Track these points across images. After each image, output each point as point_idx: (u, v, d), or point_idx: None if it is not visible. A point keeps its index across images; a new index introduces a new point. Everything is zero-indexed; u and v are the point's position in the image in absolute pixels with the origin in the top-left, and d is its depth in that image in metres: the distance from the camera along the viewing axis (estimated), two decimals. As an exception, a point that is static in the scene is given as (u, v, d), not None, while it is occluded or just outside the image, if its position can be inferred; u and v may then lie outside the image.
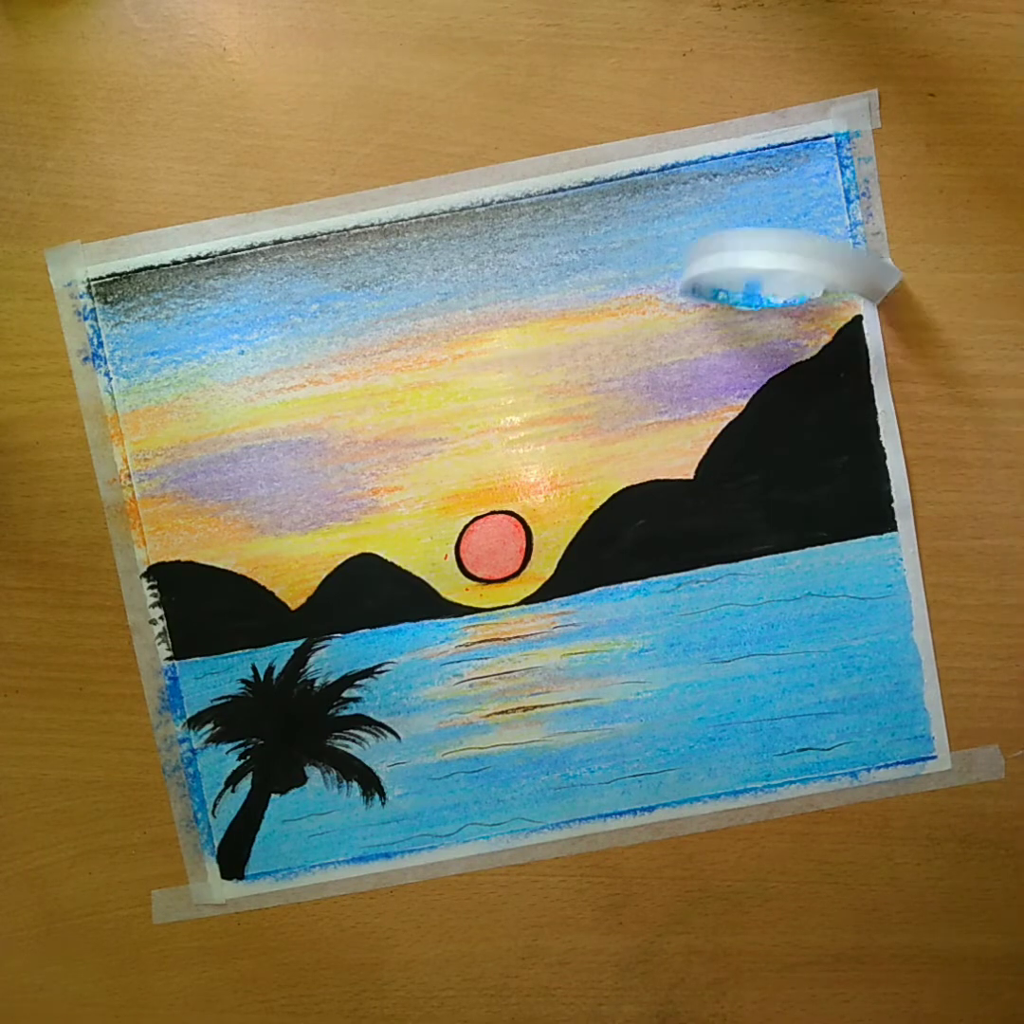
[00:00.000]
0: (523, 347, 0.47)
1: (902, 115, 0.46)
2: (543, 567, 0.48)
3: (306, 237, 0.47)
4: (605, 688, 0.48)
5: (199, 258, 0.47)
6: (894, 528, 0.48)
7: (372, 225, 0.47)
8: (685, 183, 0.47)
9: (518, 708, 0.48)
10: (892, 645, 0.48)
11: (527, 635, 0.48)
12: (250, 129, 0.47)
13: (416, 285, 0.47)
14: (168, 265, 0.47)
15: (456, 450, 0.48)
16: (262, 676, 0.48)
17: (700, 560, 0.48)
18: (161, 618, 0.48)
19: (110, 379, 0.47)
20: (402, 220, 0.47)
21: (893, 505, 0.47)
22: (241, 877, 0.49)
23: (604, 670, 0.48)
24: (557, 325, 0.47)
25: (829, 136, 0.46)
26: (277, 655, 0.48)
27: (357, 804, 0.49)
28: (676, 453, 0.48)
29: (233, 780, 0.49)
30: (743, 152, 0.47)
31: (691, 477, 0.48)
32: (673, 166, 0.47)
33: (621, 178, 0.47)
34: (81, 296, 0.47)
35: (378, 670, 0.48)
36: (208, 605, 0.48)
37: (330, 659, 0.48)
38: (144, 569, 0.48)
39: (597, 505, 0.48)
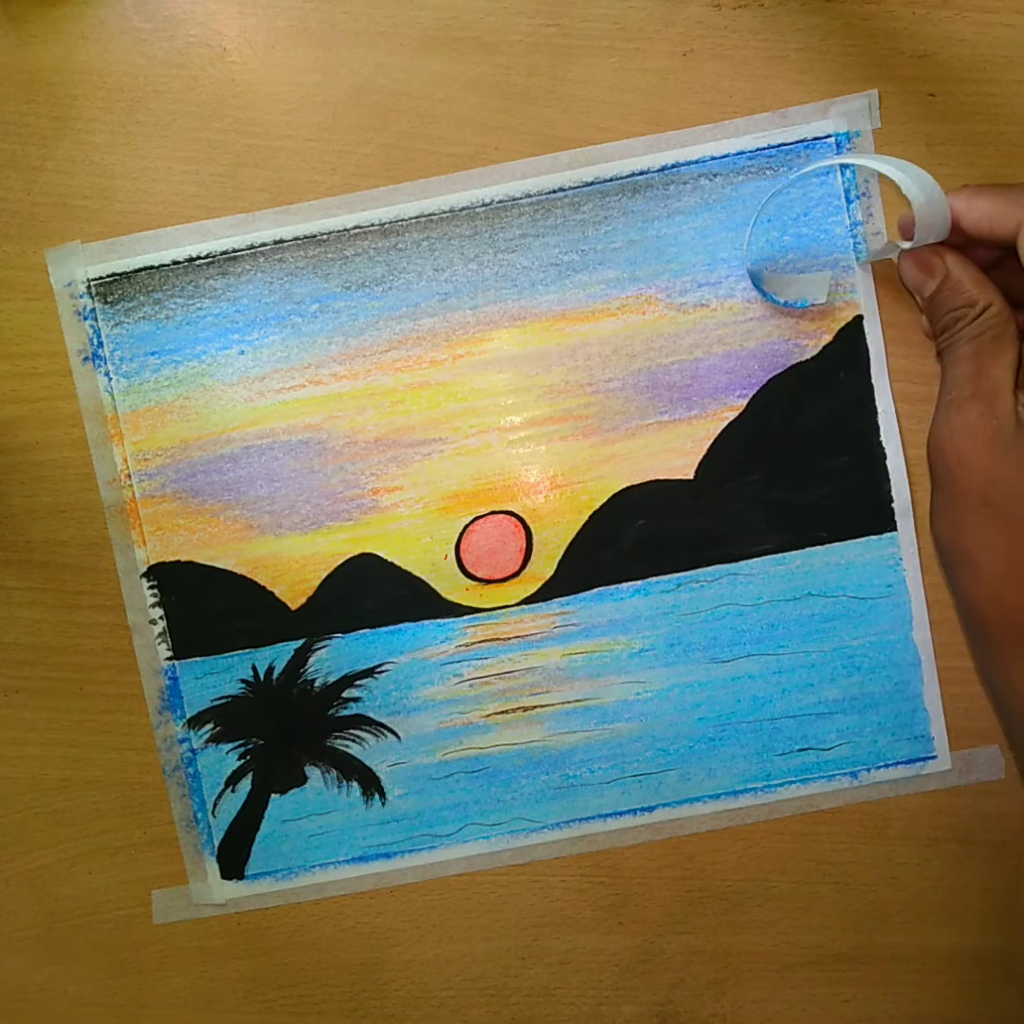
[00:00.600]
0: (523, 347, 0.47)
1: (902, 115, 0.46)
2: (543, 567, 0.48)
3: (306, 237, 0.47)
4: (605, 688, 0.48)
5: (199, 258, 0.47)
6: (894, 528, 0.48)
7: (372, 225, 0.47)
8: (685, 183, 0.47)
9: (518, 708, 0.48)
10: (892, 645, 0.48)
11: (527, 635, 0.48)
12: (250, 129, 0.47)
13: (416, 285, 0.47)
14: (168, 265, 0.47)
15: (456, 450, 0.48)
16: (262, 676, 0.48)
17: (700, 560, 0.48)
18: (161, 618, 0.48)
19: (110, 379, 0.47)
20: (402, 220, 0.47)
21: (893, 505, 0.47)
22: (241, 877, 0.49)
23: (604, 670, 0.48)
24: (557, 325, 0.47)
25: (829, 136, 0.46)
26: (277, 655, 0.48)
27: (357, 804, 0.49)
28: (676, 453, 0.48)
29: (233, 780, 0.49)
30: (743, 152, 0.47)
31: (691, 477, 0.48)
32: (673, 166, 0.47)
33: (621, 178, 0.47)
34: (81, 296, 0.47)
35: (378, 670, 0.48)
36: (208, 605, 0.48)
37: (330, 659, 0.48)
38: (144, 569, 0.48)
39: (597, 505, 0.48)
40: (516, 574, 0.48)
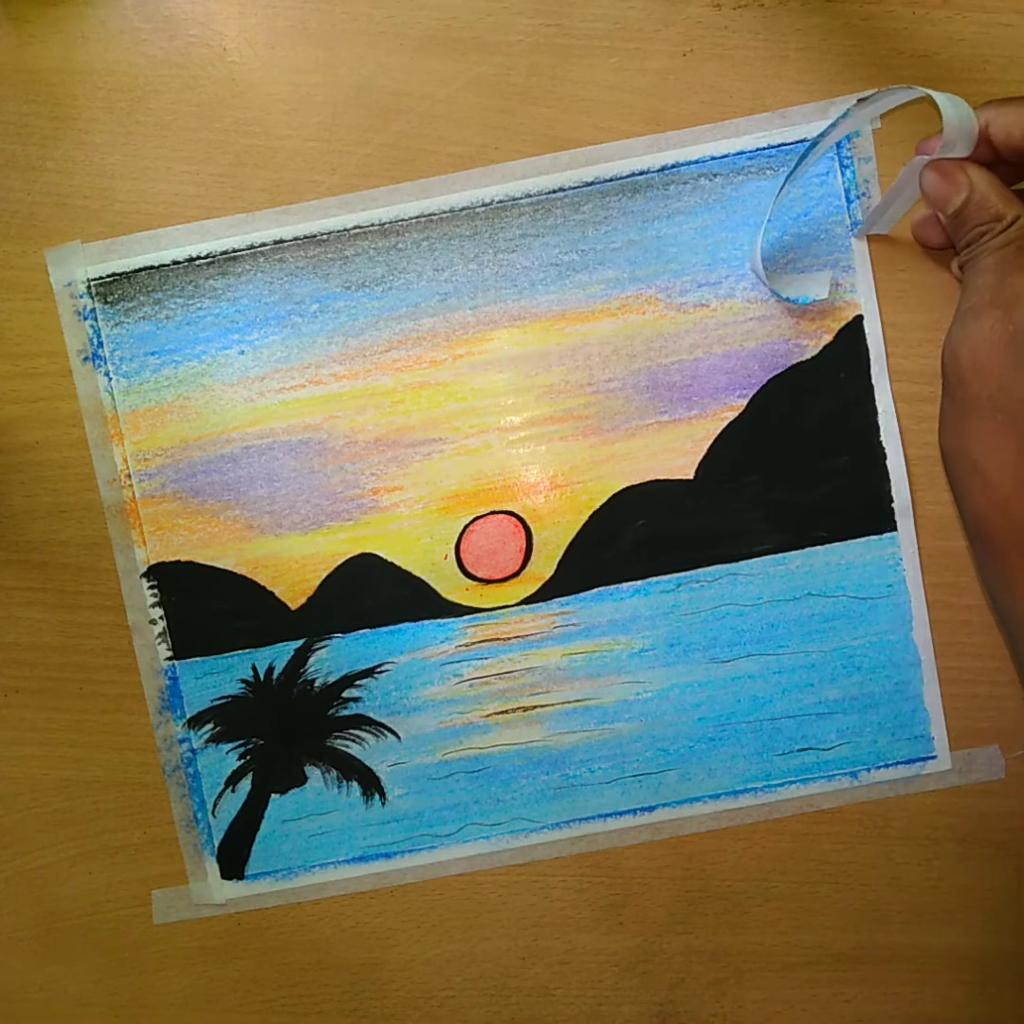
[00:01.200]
0: (523, 347, 0.47)
1: (902, 115, 0.46)
2: (543, 567, 0.48)
3: (306, 237, 0.47)
4: (605, 688, 0.48)
5: (199, 258, 0.47)
6: (894, 528, 0.48)
7: (372, 225, 0.47)
8: (685, 183, 0.47)
9: (518, 708, 0.48)
10: (892, 645, 0.48)
11: (527, 635, 0.48)
12: (250, 129, 0.47)
13: (416, 285, 0.47)
14: (168, 265, 0.47)
15: (456, 450, 0.48)
16: (262, 676, 0.48)
17: (700, 560, 0.48)
18: (161, 618, 0.48)
19: (110, 379, 0.47)
20: (402, 220, 0.47)
21: (893, 505, 0.47)
22: (241, 877, 0.49)
23: (604, 670, 0.48)
24: (557, 325, 0.47)
25: (829, 136, 0.46)
26: (277, 655, 0.48)
27: (357, 804, 0.49)
28: (676, 453, 0.48)
29: (233, 780, 0.49)
30: (743, 152, 0.47)
31: (691, 477, 0.48)
32: (673, 166, 0.47)
33: (621, 178, 0.47)
34: (81, 296, 0.47)
35: (378, 670, 0.48)
36: (208, 605, 0.48)
37: (330, 659, 0.48)
38: (144, 569, 0.48)
39: (597, 505, 0.48)
40: (516, 574, 0.48)
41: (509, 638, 0.48)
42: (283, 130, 0.47)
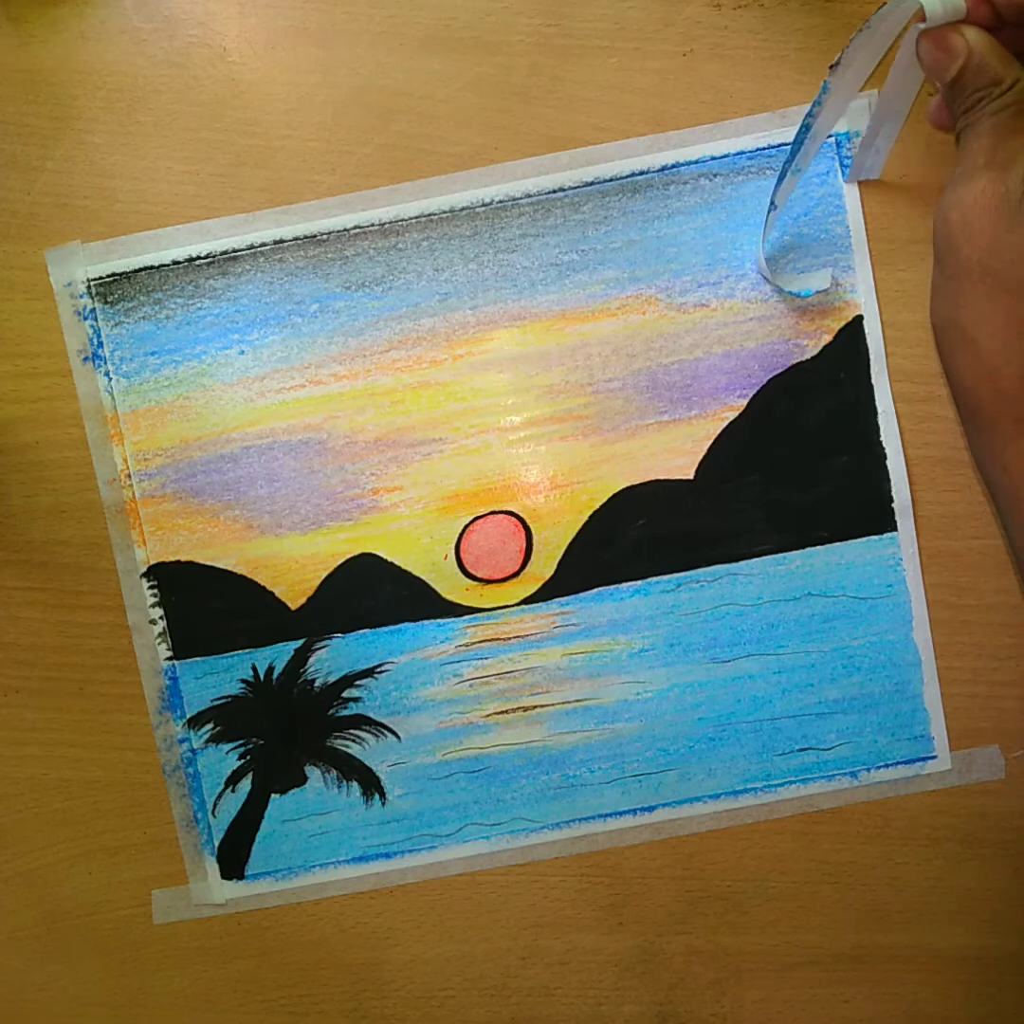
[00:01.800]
0: (523, 347, 0.47)
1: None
2: (543, 567, 0.48)
3: (306, 237, 0.47)
4: (605, 688, 0.48)
5: (199, 258, 0.47)
6: (894, 528, 0.48)
7: (372, 225, 0.47)
8: (685, 183, 0.47)
9: (518, 708, 0.48)
10: (892, 645, 0.48)
11: (527, 635, 0.48)
12: (250, 129, 0.47)
13: (416, 285, 0.47)
14: (168, 265, 0.47)
15: (456, 450, 0.48)
16: (262, 676, 0.48)
17: (700, 560, 0.48)
18: (161, 618, 0.48)
19: (110, 379, 0.47)
20: (402, 220, 0.47)
21: (893, 505, 0.47)
22: (241, 877, 0.49)
23: (604, 670, 0.48)
24: (557, 325, 0.47)
25: (829, 136, 0.46)
26: (277, 655, 0.48)
27: (357, 804, 0.49)
28: (676, 453, 0.48)
29: (233, 780, 0.49)
30: (743, 152, 0.46)
31: (691, 477, 0.48)
32: (673, 166, 0.47)
33: (621, 178, 0.47)
34: (81, 296, 0.47)
35: (378, 670, 0.48)
36: (208, 605, 0.48)
37: (330, 659, 0.48)
38: (144, 569, 0.48)
39: (597, 505, 0.48)
40: (516, 574, 0.48)
41: (509, 638, 0.48)
42: (283, 130, 0.47)
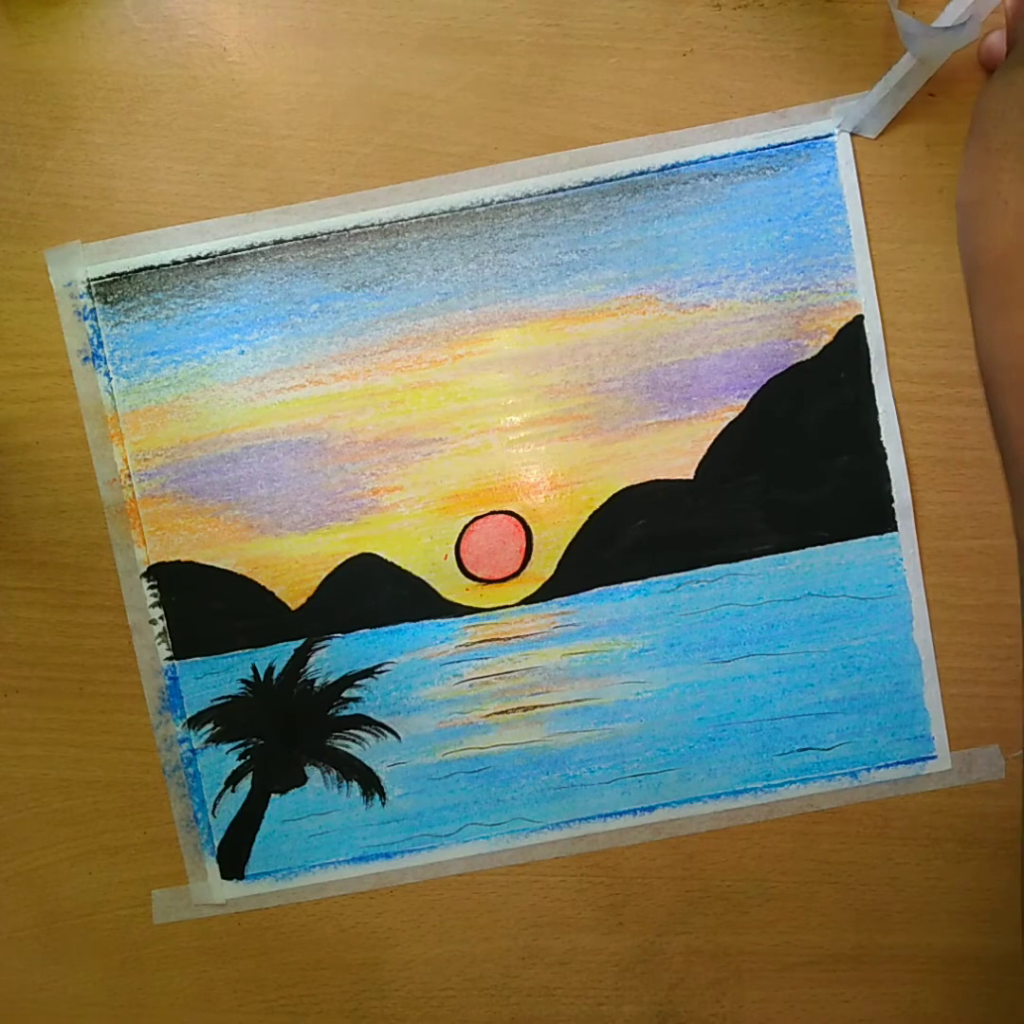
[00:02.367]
0: (523, 347, 0.47)
1: (902, 115, 0.46)
2: (543, 567, 0.48)
3: (306, 237, 0.47)
4: (605, 688, 0.48)
5: (199, 258, 0.47)
6: (894, 528, 0.48)
7: (372, 225, 0.47)
8: (685, 183, 0.47)
9: (518, 708, 0.48)
10: (892, 645, 0.48)
11: (527, 635, 0.48)
12: (250, 129, 0.47)
13: (416, 285, 0.47)
14: (168, 265, 0.47)
15: (456, 450, 0.48)
16: (262, 676, 0.48)
17: (700, 560, 0.48)
18: (161, 618, 0.48)
19: (110, 379, 0.47)
20: (402, 220, 0.47)
21: (893, 505, 0.47)
22: (241, 877, 0.49)
23: (604, 670, 0.48)
24: (557, 325, 0.47)
25: (830, 136, 0.46)
26: (277, 655, 0.48)
27: (357, 804, 0.49)
28: (676, 453, 0.48)
29: (233, 780, 0.49)
30: (743, 152, 0.47)
31: (691, 477, 0.48)
32: (673, 166, 0.47)
33: (621, 178, 0.47)
34: (81, 296, 0.47)
35: (378, 670, 0.48)
36: (208, 605, 0.48)
37: (330, 659, 0.48)
38: (144, 569, 0.48)
39: (597, 505, 0.48)
40: (516, 574, 0.48)
41: (509, 638, 0.48)
42: (283, 130, 0.47)
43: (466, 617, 0.48)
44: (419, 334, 0.47)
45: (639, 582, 0.48)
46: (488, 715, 0.48)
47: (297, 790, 0.49)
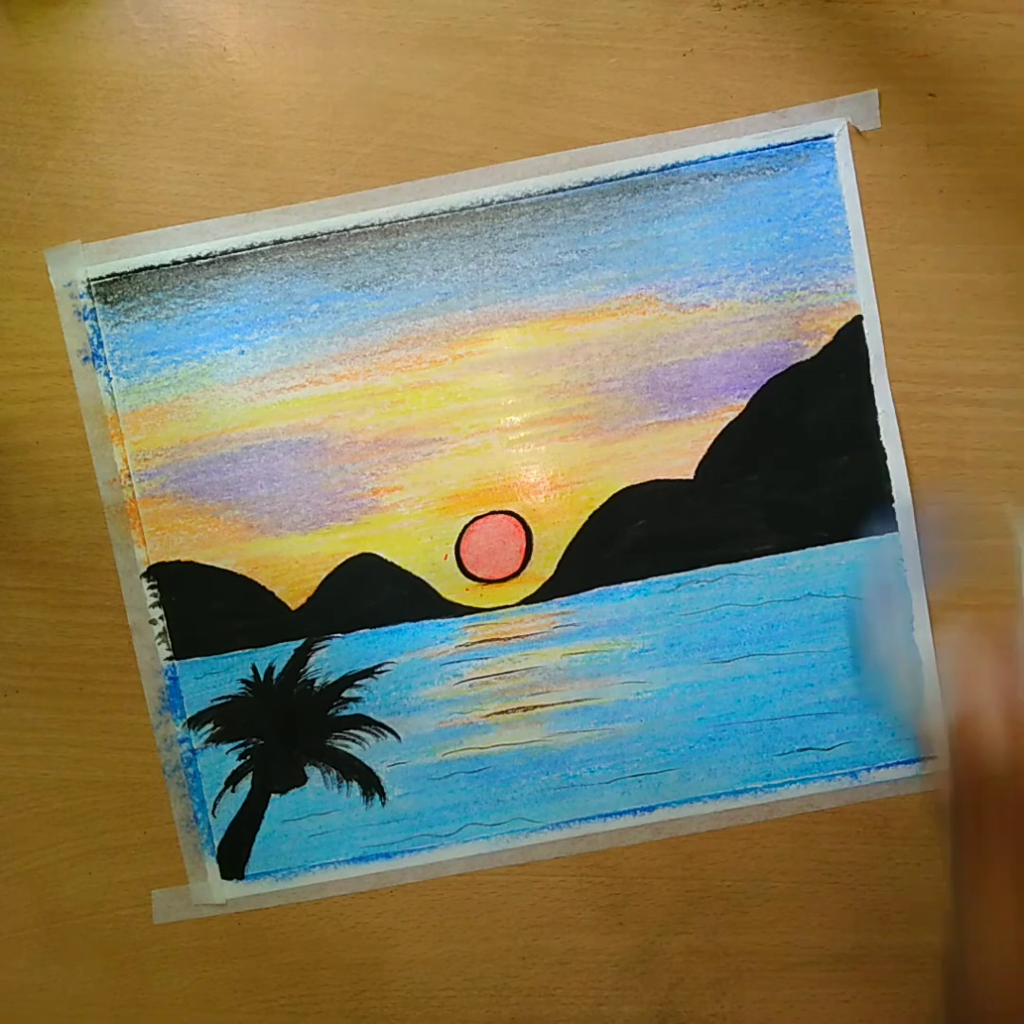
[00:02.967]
0: (523, 347, 0.47)
1: (902, 115, 0.46)
2: (543, 567, 0.48)
3: (306, 237, 0.47)
4: (605, 688, 0.48)
5: (199, 258, 0.47)
6: (895, 528, 0.48)
7: (372, 225, 0.47)
8: (685, 183, 0.47)
9: (518, 708, 0.48)
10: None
11: (527, 635, 0.48)
12: (250, 129, 0.47)
13: (416, 285, 0.47)
14: (168, 265, 0.47)
15: (456, 450, 0.48)
16: (262, 676, 0.48)
17: (700, 560, 0.48)
18: (161, 618, 0.48)
19: (110, 379, 0.47)
20: (402, 220, 0.47)
21: (894, 505, 0.47)
22: (241, 877, 0.49)
23: (604, 670, 0.48)
24: (557, 325, 0.47)
25: (830, 136, 0.46)
26: (277, 655, 0.48)
27: (357, 804, 0.49)
28: (676, 453, 0.48)
29: (233, 780, 0.49)
30: (743, 152, 0.47)
31: (691, 477, 0.48)
32: (673, 166, 0.47)
33: (621, 178, 0.47)
34: (81, 296, 0.47)
35: (378, 670, 0.48)
36: (208, 605, 0.48)
37: (330, 659, 0.48)
38: (144, 569, 0.48)
39: (597, 505, 0.48)
40: (516, 574, 0.48)
41: (509, 638, 0.48)
42: (283, 130, 0.47)
43: (466, 617, 0.48)
44: (419, 334, 0.47)
45: (639, 582, 0.48)
46: (488, 715, 0.48)
47: (297, 790, 0.49)
